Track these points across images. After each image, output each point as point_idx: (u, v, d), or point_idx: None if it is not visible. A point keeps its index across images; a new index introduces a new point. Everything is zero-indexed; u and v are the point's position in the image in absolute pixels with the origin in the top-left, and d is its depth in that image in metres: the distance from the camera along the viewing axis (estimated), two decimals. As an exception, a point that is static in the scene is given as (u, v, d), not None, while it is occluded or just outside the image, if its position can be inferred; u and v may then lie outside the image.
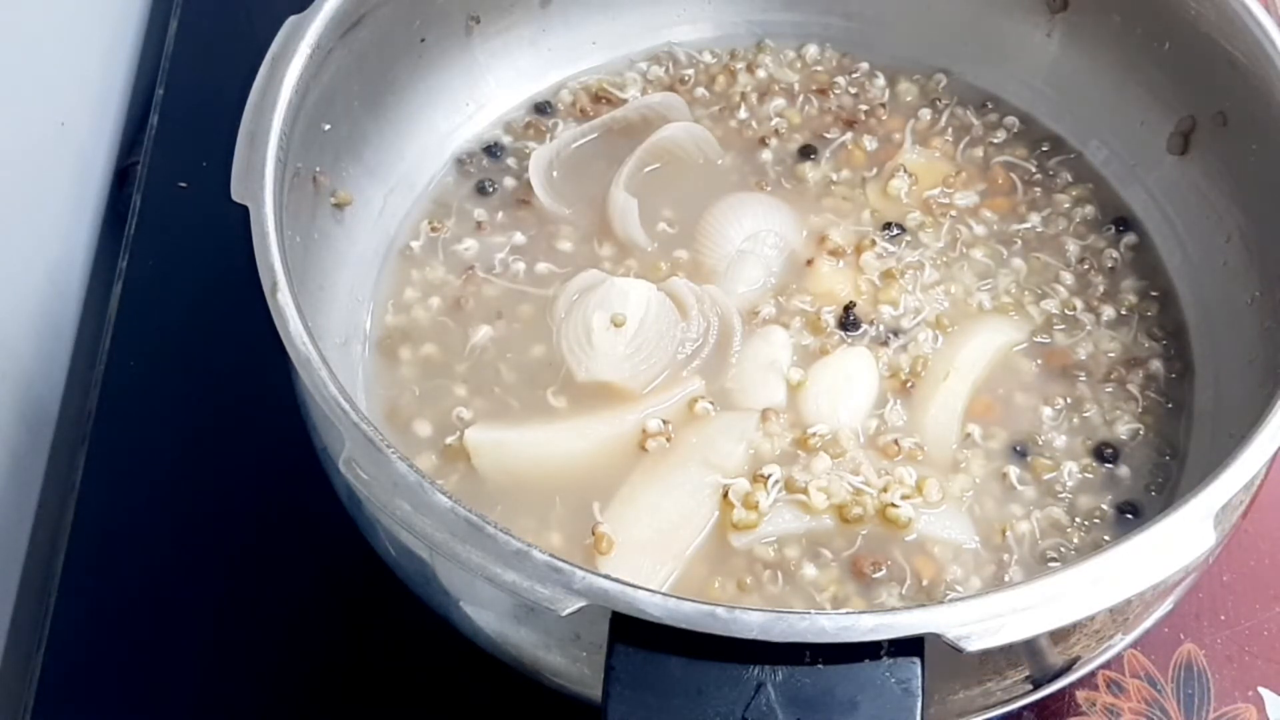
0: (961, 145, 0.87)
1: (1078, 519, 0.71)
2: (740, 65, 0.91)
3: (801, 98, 0.89)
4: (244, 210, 0.62)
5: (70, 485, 0.83)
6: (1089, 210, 0.84)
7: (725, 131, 0.88)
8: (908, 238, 0.82)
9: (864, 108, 0.89)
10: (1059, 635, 0.57)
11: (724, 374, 0.75)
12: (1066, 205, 0.84)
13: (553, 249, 0.82)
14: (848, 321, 0.77)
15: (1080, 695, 0.74)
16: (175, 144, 0.98)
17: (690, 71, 0.91)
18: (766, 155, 0.86)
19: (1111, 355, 0.77)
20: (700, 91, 0.90)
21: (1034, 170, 0.86)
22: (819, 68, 0.91)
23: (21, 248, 0.89)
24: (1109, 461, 0.73)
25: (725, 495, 0.70)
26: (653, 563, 0.68)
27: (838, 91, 0.90)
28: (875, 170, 0.85)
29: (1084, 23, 0.84)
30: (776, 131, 0.87)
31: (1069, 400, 0.75)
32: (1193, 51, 0.77)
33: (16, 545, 0.85)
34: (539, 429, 0.73)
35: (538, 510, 0.70)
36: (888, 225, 0.82)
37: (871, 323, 0.77)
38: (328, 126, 0.73)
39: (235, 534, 0.80)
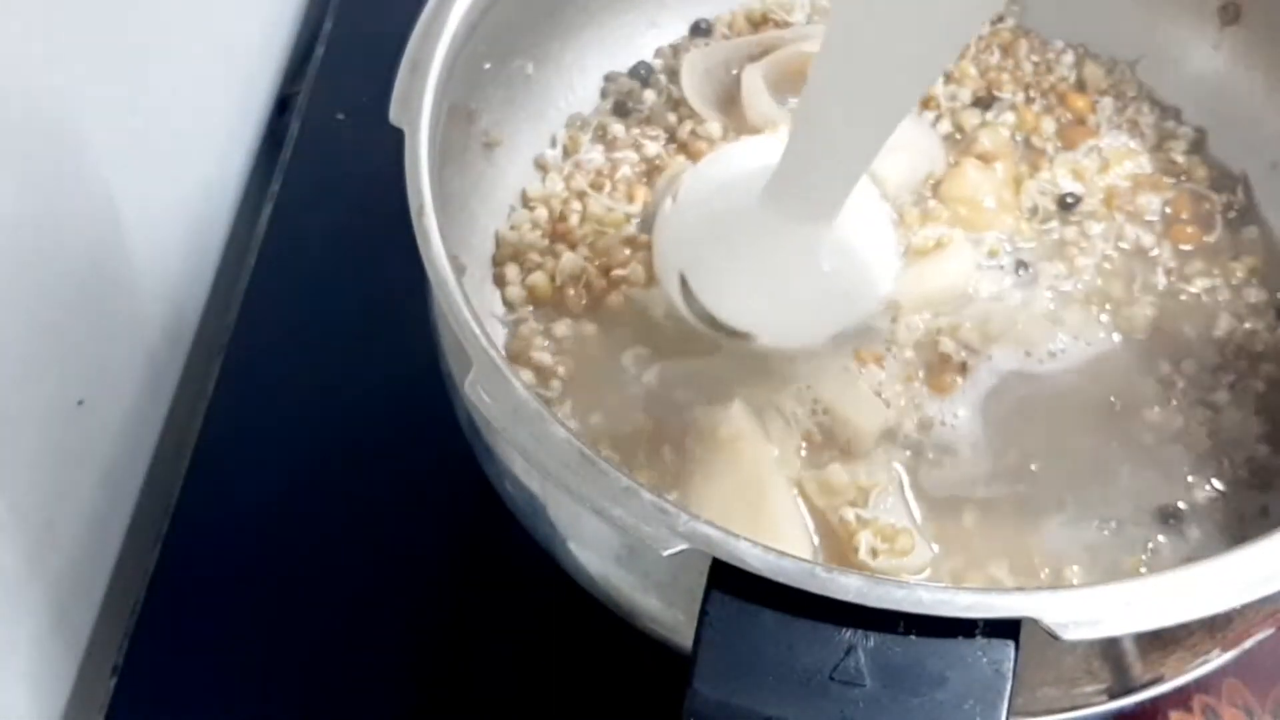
0: (1146, 144, 0.83)
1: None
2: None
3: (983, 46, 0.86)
4: (396, 145, 0.63)
5: (203, 393, 0.86)
6: (1255, 292, 0.76)
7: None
8: (1076, 214, 0.79)
9: (1048, 80, 0.85)
10: (1155, 639, 0.56)
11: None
12: (1239, 276, 0.77)
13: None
14: None
15: (1174, 716, 0.72)
16: (337, 77, 1.01)
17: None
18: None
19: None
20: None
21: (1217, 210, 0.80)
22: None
23: (181, 164, 0.92)
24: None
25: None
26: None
27: (1021, 55, 0.86)
28: (1056, 146, 0.82)
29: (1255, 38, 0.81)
30: (947, 75, 0.84)
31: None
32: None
33: (144, 448, 0.88)
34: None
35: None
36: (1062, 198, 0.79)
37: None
38: (488, 65, 0.74)
39: (356, 451, 0.82)
